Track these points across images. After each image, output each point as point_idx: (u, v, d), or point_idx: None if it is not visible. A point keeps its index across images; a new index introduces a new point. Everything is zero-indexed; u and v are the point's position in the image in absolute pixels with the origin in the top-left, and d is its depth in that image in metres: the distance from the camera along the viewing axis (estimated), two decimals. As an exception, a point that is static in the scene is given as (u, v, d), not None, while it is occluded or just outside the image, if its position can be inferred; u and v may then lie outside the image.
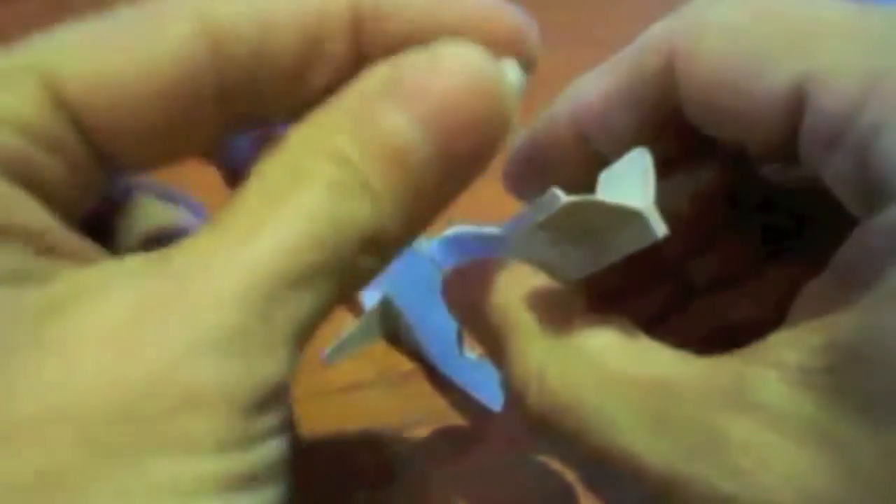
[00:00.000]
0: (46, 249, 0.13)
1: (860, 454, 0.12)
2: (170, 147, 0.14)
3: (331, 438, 0.25)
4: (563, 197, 0.16)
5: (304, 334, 0.13)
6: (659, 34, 0.16)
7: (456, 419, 0.26)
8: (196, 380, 0.11)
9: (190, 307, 0.12)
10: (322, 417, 0.26)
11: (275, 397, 0.12)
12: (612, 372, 0.15)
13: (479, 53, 0.14)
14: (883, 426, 0.12)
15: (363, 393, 0.27)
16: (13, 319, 0.11)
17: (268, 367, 0.12)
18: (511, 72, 0.14)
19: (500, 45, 0.14)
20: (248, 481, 0.12)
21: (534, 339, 0.16)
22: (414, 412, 0.26)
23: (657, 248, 0.16)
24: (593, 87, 0.17)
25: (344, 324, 0.28)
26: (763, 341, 0.14)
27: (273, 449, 0.12)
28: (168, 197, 0.18)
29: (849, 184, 0.14)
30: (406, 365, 0.28)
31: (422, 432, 0.26)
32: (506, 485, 0.25)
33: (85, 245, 0.14)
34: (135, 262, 0.13)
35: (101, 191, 0.14)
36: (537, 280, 0.18)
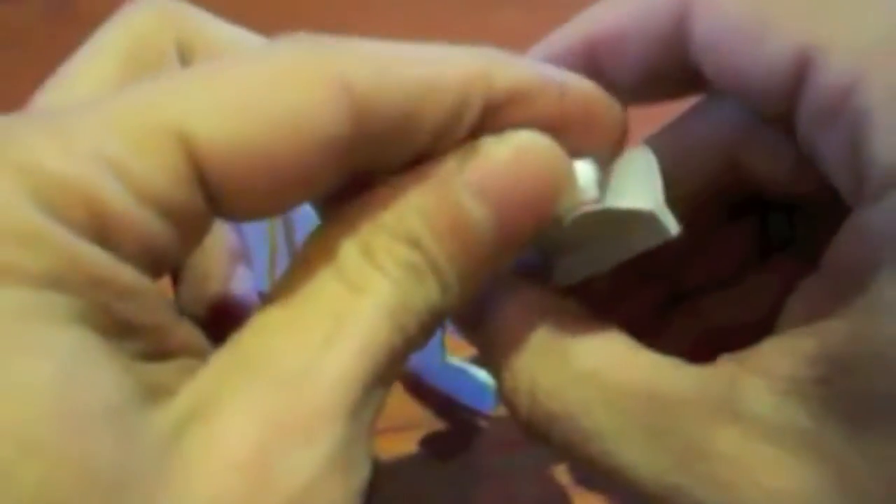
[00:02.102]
0: (164, 349, 0.12)
1: (852, 465, 0.12)
2: (286, 203, 0.13)
3: None
4: None
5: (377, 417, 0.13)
6: None
7: (451, 421, 0.26)
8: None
9: (303, 428, 0.12)
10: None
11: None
12: (602, 381, 0.15)
13: (549, 144, 0.15)
14: (875, 437, 0.12)
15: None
16: (136, 449, 0.11)
17: (366, 467, 0.13)
18: (584, 168, 0.15)
19: (594, 139, 0.16)
20: None
21: (525, 347, 0.16)
22: (411, 413, 0.26)
23: (648, 251, 0.16)
24: (610, 11, 0.17)
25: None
26: (754, 348, 0.14)
27: None
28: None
29: (841, 166, 0.14)
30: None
31: (418, 433, 0.26)
32: (502, 486, 0.25)
33: (186, 328, 0.13)
34: (236, 373, 0.12)
35: (199, 240, 0.14)
36: (528, 286, 0.17)
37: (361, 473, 0.13)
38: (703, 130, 0.18)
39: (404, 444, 0.25)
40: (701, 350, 0.16)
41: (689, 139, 0.18)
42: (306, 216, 0.22)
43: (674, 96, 0.17)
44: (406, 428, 0.26)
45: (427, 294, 0.14)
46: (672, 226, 0.15)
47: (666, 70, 0.16)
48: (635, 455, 0.14)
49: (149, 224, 0.12)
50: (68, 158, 0.11)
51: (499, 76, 0.14)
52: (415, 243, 0.13)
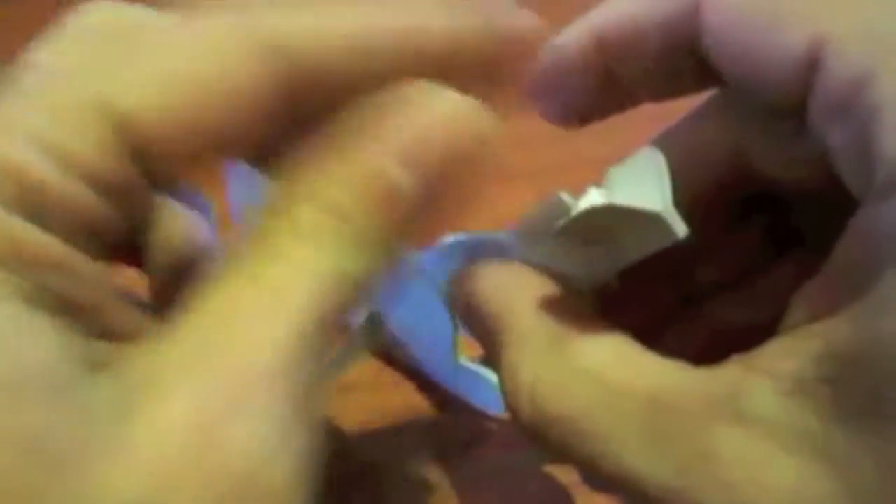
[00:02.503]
0: (108, 328, 0.13)
1: (859, 466, 0.12)
2: (218, 165, 0.14)
3: (328, 439, 0.24)
4: (568, 201, 0.16)
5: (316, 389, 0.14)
6: None
7: (454, 420, 0.26)
8: (274, 477, 0.12)
9: (243, 394, 0.12)
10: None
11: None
12: (606, 383, 0.15)
13: (473, 105, 0.15)
14: (884, 437, 0.12)
15: (361, 393, 0.27)
16: (78, 420, 0.11)
17: (309, 434, 0.13)
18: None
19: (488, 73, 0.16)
20: None
21: (528, 347, 0.16)
22: (414, 411, 0.26)
23: (657, 252, 0.16)
24: (618, 7, 0.17)
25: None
26: (759, 349, 0.14)
27: None
28: (182, 195, 0.19)
29: (851, 161, 0.14)
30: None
31: (422, 432, 0.26)
32: (505, 486, 0.25)
33: (130, 310, 0.14)
34: (179, 347, 0.13)
35: (141, 215, 0.14)
36: (535, 283, 0.17)
37: (303, 439, 0.13)
38: (711, 127, 0.18)
39: (408, 443, 0.25)
40: (712, 350, 0.15)
41: (696, 136, 0.18)
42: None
43: (686, 92, 0.17)
44: (410, 427, 0.26)
45: (355, 261, 0.14)
46: (680, 228, 0.14)
47: (677, 64, 0.16)
48: (637, 458, 0.14)
49: (82, 198, 0.12)
50: None
51: (433, 31, 0.15)
52: (341, 213, 0.14)
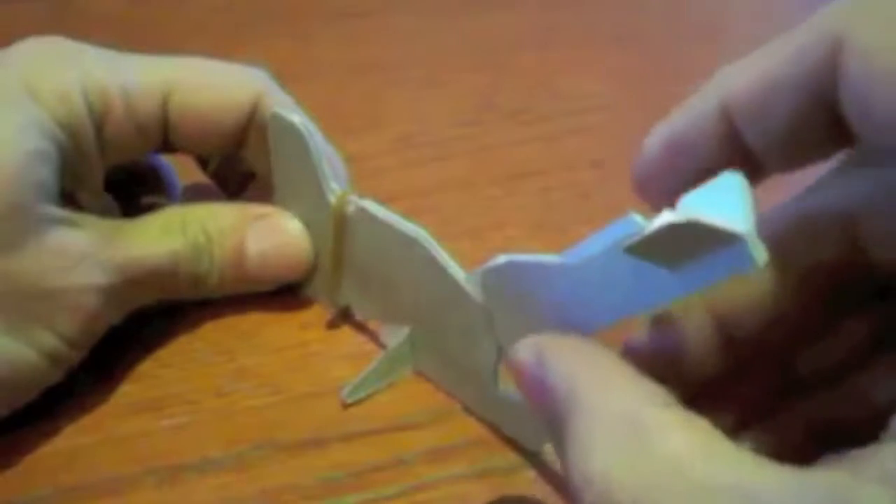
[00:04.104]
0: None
1: None
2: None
3: (329, 438, 0.25)
4: (642, 221, 0.15)
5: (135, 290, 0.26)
6: (827, 19, 0.15)
7: (456, 419, 0.26)
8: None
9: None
10: (320, 418, 0.25)
11: None
12: (689, 476, 0.14)
13: (299, 226, 0.28)
14: None
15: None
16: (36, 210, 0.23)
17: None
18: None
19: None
20: None
21: (601, 427, 0.15)
22: (414, 412, 0.26)
23: (762, 335, 0.15)
24: (747, 72, 0.16)
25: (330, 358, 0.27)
26: (869, 451, 0.13)
27: None
28: (162, 168, 0.31)
29: None
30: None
31: (421, 433, 0.25)
32: (508, 486, 0.24)
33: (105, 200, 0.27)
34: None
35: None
36: (608, 360, 0.16)
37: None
38: (824, 204, 0.17)
39: (407, 444, 0.25)
40: (810, 443, 0.15)
41: (807, 211, 0.17)
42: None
43: (818, 156, 0.16)
44: (409, 427, 0.25)
45: (197, 263, 0.27)
46: (760, 255, 0.14)
47: (811, 124, 0.15)
48: None
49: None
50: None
51: (270, 98, 0.27)
52: (208, 237, 0.27)
